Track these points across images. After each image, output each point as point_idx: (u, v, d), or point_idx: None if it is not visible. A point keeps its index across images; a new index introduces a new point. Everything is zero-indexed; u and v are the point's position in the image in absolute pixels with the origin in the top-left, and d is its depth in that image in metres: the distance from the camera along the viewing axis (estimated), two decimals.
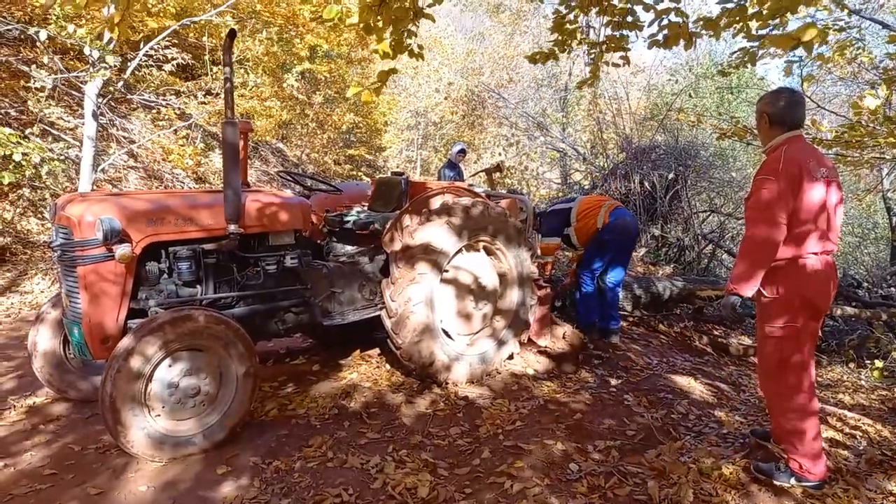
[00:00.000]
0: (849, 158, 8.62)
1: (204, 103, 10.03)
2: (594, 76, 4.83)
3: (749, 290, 2.83)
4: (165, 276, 3.60)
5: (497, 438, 3.56)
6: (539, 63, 4.55)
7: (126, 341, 3.05)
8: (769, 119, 2.96)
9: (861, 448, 3.70)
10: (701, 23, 3.84)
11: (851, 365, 7.19)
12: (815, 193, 2.81)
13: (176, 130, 9.85)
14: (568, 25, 4.31)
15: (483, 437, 3.58)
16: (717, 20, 3.74)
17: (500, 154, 16.08)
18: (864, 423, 4.33)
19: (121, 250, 3.23)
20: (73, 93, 8.47)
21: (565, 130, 15.66)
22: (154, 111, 9.76)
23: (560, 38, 4.34)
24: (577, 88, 5.39)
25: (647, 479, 3.06)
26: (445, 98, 17.65)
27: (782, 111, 2.94)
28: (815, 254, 2.87)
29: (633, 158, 11.95)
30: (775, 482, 3.00)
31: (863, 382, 6.56)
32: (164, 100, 9.44)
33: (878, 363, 6.80)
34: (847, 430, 4.08)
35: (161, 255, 3.57)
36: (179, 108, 9.86)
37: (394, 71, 3.75)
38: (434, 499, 2.90)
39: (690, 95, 13.72)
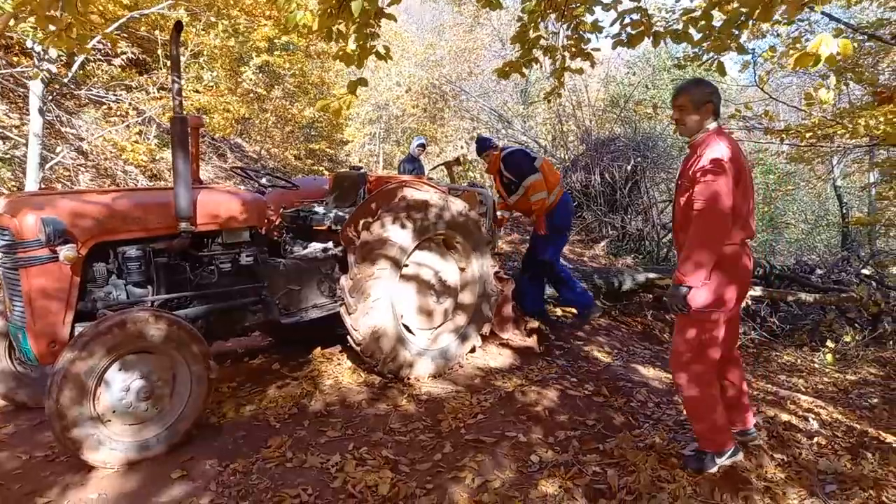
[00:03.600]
0: (806, 153, 8.87)
1: (157, 98, 9.77)
2: (559, 84, 4.84)
3: (699, 280, 2.82)
4: (114, 276, 3.49)
5: (459, 432, 3.55)
6: (508, 77, 4.52)
7: (72, 346, 2.94)
8: (714, 108, 2.96)
9: (813, 430, 3.81)
10: (672, 34, 3.87)
11: (805, 349, 7.39)
12: (748, 182, 2.92)
13: (128, 126, 9.58)
14: (531, 34, 4.29)
15: (445, 432, 3.57)
16: (684, 30, 3.78)
17: (461, 147, 16.07)
18: (816, 406, 4.45)
19: (65, 251, 3.10)
20: (19, 89, 8.17)
21: (526, 123, 15.73)
22: (105, 107, 9.46)
23: (524, 48, 4.31)
24: (545, 100, 5.59)
25: (607, 468, 3.08)
26: (407, 91, 17.56)
27: (719, 101, 2.98)
28: (743, 241, 2.95)
29: (594, 150, 12.08)
30: (706, 472, 3.03)
31: (816, 366, 6.75)
32: (114, 95, 9.16)
33: (830, 344, 7.00)
34: (801, 412, 4.19)
35: (109, 255, 3.45)
36: (131, 104, 9.58)
37: (363, 82, 3.67)
38: (395, 496, 2.88)
39: (647, 87, 13.91)
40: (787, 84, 15.26)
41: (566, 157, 13.15)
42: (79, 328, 3.21)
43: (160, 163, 10.22)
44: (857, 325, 8.12)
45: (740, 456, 3.10)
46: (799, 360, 6.89)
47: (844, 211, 14.10)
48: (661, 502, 2.76)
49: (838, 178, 14.38)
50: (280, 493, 2.87)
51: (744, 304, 7.46)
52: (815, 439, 3.61)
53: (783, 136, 6.33)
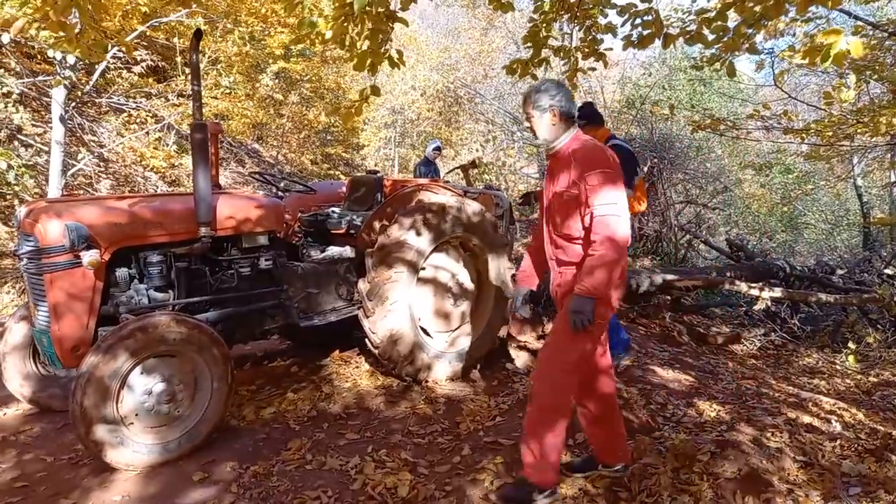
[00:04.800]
0: (826, 152, 8.77)
1: (176, 105, 9.89)
2: (571, 84, 4.83)
3: (607, 292, 2.62)
4: (136, 281, 3.54)
5: (477, 435, 3.56)
6: (518, 75, 4.52)
7: (96, 350, 2.99)
8: (560, 114, 2.74)
9: (836, 432, 3.76)
10: (686, 35, 3.83)
11: (827, 351, 7.29)
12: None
13: (148, 133, 9.70)
14: (542, 34, 4.30)
15: (463, 434, 3.57)
16: (698, 30, 3.74)
17: (477, 150, 16.08)
18: (839, 408, 4.39)
19: (89, 257, 3.16)
20: (42, 98, 8.31)
21: None
22: (125, 114, 9.60)
23: (535, 49, 4.31)
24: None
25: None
26: (422, 95, 17.60)
27: (570, 105, 2.78)
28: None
29: None
30: None
31: (838, 368, 6.66)
32: (134, 102, 9.28)
33: (852, 346, 6.91)
34: (822, 414, 4.14)
35: (131, 261, 3.51)
36: (151, 111, 9.71)
37: (375, 91, 3.68)
38: (414, 498, 2.89)
39: (664, 87, 13.83)
40: (806, 84, 15.08)
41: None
42: (102, 332, 3.27)
43: (179, 168, 10.36)
44: (879, 326, 7.99)
45: (553, 496, 2.81)
46: (820, 362, 6.80)
47: (865, 210, 13.90)
48: None
49: (858, 178, 14.18)
50: (300, 496, 2.89)
51: (763, 306, 7.39)
52: (838, 441, 3.56)
53: (803, 135, 6.25)
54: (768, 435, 3.55)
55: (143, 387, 3.11)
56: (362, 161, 18.99)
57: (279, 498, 2.89)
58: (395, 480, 3.00)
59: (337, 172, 16.70)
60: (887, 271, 9.93)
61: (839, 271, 9.47)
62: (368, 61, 3.58)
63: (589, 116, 4.68)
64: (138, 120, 9.60)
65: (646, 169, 11.37)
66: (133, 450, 3.08)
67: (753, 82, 14.04)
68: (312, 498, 2.87)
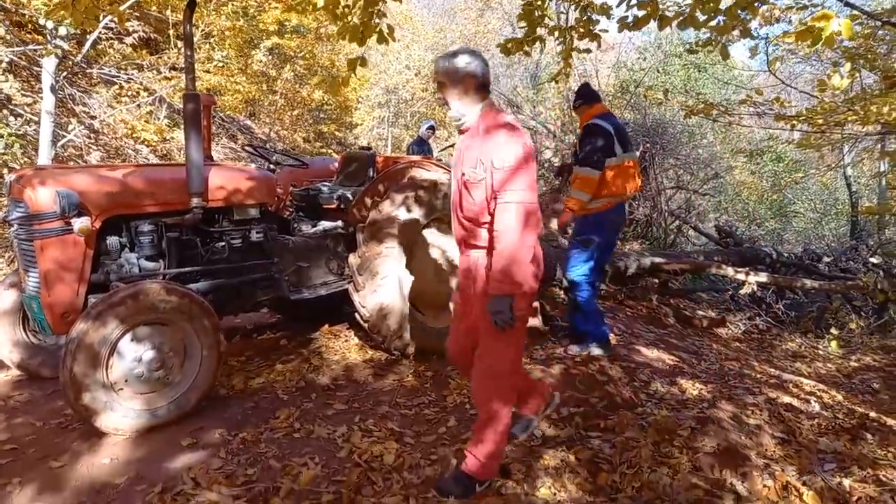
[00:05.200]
0: (813, 140, 8.82)
1: (168, 79, 9.81)
2: (566, 64, 4.84)
3: (525, 286, 2.44)
4: (127, 250, 3.55)
5: (464, 408, 3.61)
6: (512, 53, 4.53)
7: (86, 316, 3.01)
8: (472, 85, 2.49)
9: (814, 412, 3.84)
10: (680, 17, 3.83)
11: (810, 336, 7.41)
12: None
13: (139, 106, 9.63)
14: (537, 13, 4.29)
15: (450, 407, 3.63)
16: (691, 12, 3.75)
17: None
18: (818, 389, 4.48)
19: (79, 224, 3.17)
20: (32, 68, 8.22)
21: (536, 108, 15.67)
22: (116, 87, 9.50)
23: (529, 27, 4.31)
24: (555, 81, 5.27)
25: (609, 443, 3.13)
26: (416, 75, 17.51)
27: (484, 75, 2.52)
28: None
29: None
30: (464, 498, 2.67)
31: (820, 352, 6.78)
32: (126, 74, 9.20)
33: (835, 331, 7.02)
34: (802, 395, 4.23)
35: (122, 230, 3.52)
36: (142, 84, 9.63)
37: (363, 62, 3.68)
38: (400, 465, 2.94)
39: (658, 72, 13.81)
40: (801, 72, 15.10)
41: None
42: (92, 300, 3.29)
43: (170, 143, 10.28)
44: (862, 313, 8.12)
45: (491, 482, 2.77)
46: (803, 347, 6.91)
47: (854, 200, 14.02)
48: (660, 477, 2.81)
49: (848, 167, 14.28)
50: (288, 462, 2.94)
51: (749, 291, 7.48)
52: (816, 420, 3.65)
53: (794, 122, 6.29)
54: (748, 413, 3.63)
55: (133, 354, 3.14)
56: (355, 140, 18.90)
57: (267, 463, 2.94)
58: (381, 449, 3.06)
59: (329, 151, 16.62)
60: (873, 260, 10.06)
61: (825, 259, 9.59)
62: (359, 31, 3.58)
63: (585, 96, 4.73)
64: (129, 93, 9.51)
65: (637, 153, 11.41)
66: (122, 415, 3.10)
67: (748, 69, 14.06)
68: (300, 464, 2.91)
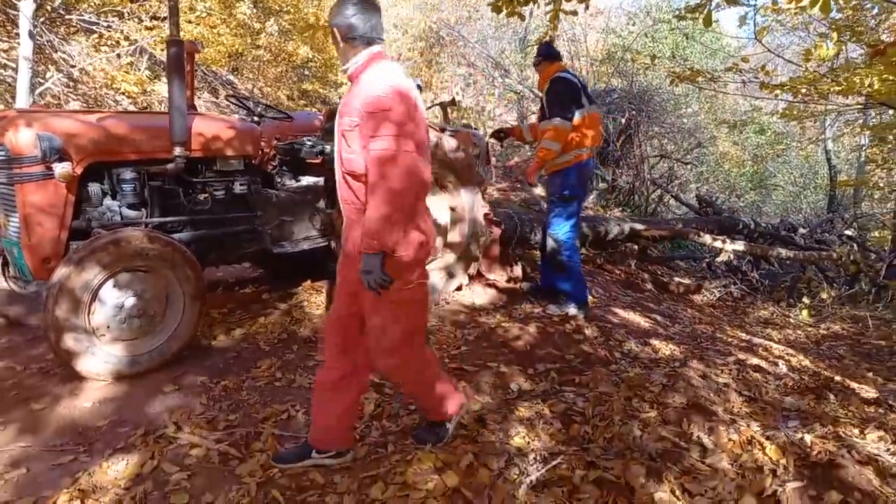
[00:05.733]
0: (796, 111, 8.90)
1: (150, 28, 9.57)
2: (553, 26, 4.82)
3: (395, 242, 2.25)
4: (108, 197, 3.53)
5: (443, 362, 3.68)
6: (502, 12, 4.49)
7: (68, 261, 3.01)
8: (352, 34, 2.38)
9: (781, 373, 3.98)
10: None
11: (783, 304, 7.60)
12: (421, 114, 2.37)
13: (119, 56, 9.41)
14: None
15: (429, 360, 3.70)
16: None
17: (457, 94, 15.90)
18: (787, 354, 4.63)
19: (61, 168, 3.14)
20: (9, 11, 7.98)
21: (524, 72, 15.55)
22: (95, 35, 9.26)
23: None
24: (537, 43, 5.21)
25: (582, 397, 3.23)
26: (403, 34, 17.24)
27: (367, 24, 2.41)
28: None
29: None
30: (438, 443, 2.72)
31: (791, 320, 6.96)
32: (106, 21, 8.96)
33: (807, 300, 7.20)
34: (771, 358, 4.36)
35: (104, 176, 3.49)
36: (123, 33, 9.39)
37: None
38: (380, 414, 3.02)
39: (647, 37, 13.75)
40: (788, 43, 15.13)
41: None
42: (74, 246, 3.28)
43: (151, 95, 10.09)
44: (835, 283, 8.32)
45: (466, 408, 2.85)
46: (775, 315, 7.09)
47: (833, 174, 14.22)
48: (631, 429, 2.91)
49: (829, 141, 14.44)
50: (269, 408, 3.00)
51: (726, 258, 7.62)
52: (782, 381, 3.78)
53: (778, 90, 6.34)
54: (717, 372, 3.74)
55: (114, 300, 3.15)
56: (339, 99, 18.66)
57: (248, 410, 3.00)
58: (361, 398, 3.12)
59: (313, 109, 16.41)
60: (847, 232, 10.27)
61: (801, 230, 9.78)
62: None
63: (546, 54, 4.73)
64: (110, 42, 9.28)
65: (623, 120, 11.43)
66: (103, 360, 3.13)
67: (737, 38, 14.05)
68: (281, 411, 2.98)
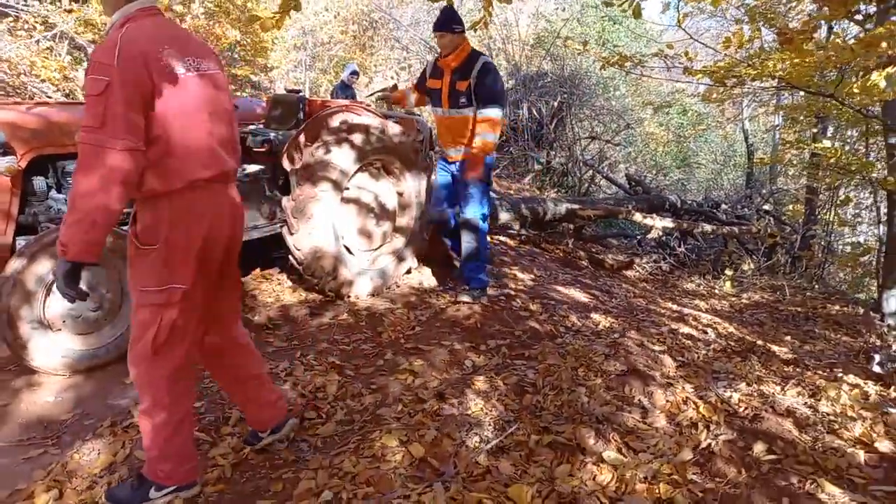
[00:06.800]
0: (716, 94, 9.41)
1: (70, 10, 9.16)
2: (487, 13, 4.94)
3: (87, 252, 1.88)
4: (54, 191, 3.48)
5: (398, 342, 3.83)
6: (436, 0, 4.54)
7: (20, 255, 2.98)
8: None
9: (710, 340, 4.33)
10: None
11: (708, 277, 8.10)
12: (185, 93, 2.02)
13: (39, 42, 8.98)
14: None
15: (385, 342, 3.84)
16: None
17: (392, 78, 15.89)
18: (714, 322, 5.00)
19: (5, 163, 3.10)
20: None
21: None
22: (11, 19, 8.79)
23: None
24: (471, 29, 5.01)
25: (532, 369, 3.45)
26: (335, 17, 17.04)
27: None
28: (205, 180, 2.11)
29: (522, 85, 12.29)
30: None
31: (716, 291, 7.44)
32: (24, 4, 8.52)
33: (729, 272, 7.71)
34: (700, 327, 4.71)
35: (48, 170, 3.44)
36: (40, 16, 8.95)
37: (297, 6, 3.62)
38: (343, 395, 3.14)
39: (576, 22, 14.11)
40: (707, 28, 15.83)
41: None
42: (21, 242, 3.23)
43: (73, 81, 9.68)
44: (754, 256, 8.92)
45: (195, 490, 2.34)
46: (702, 287, 7.57)
47: (750, 152, 15.05)
48: (578, 396, 3.14)
49: (746, 121, 15.26)
50: None
51: (655, 235, 8.05)
52: (711, 347, 4.13)
53: (699, 75, 6.72)
54: (653, 341, 4.05)
55: None
56: (270, 84, 18.28)
57: (213, 397, 3.06)
58: (324, 381, 3.23)
59: (244, 94, 16.04)
60: (765, 207, 10.96)
61: (723, 206, 10.37)
62: None
63: (460, 24, 4.35)
64: (26, 26, 8.83)
65: (555, 103, 11.75)
66: (61, 355, 3.13)
67: (661, 24, 14.60)
68: None
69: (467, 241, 4.53)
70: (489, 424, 2.88)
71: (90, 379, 3.15)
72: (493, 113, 4.27)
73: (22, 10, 8.42)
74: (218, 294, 2.31)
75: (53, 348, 3.10)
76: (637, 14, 4.34)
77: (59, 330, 3.15)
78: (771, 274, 8.45)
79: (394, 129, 4.56)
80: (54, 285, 3.00)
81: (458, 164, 4.52)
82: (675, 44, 8.53)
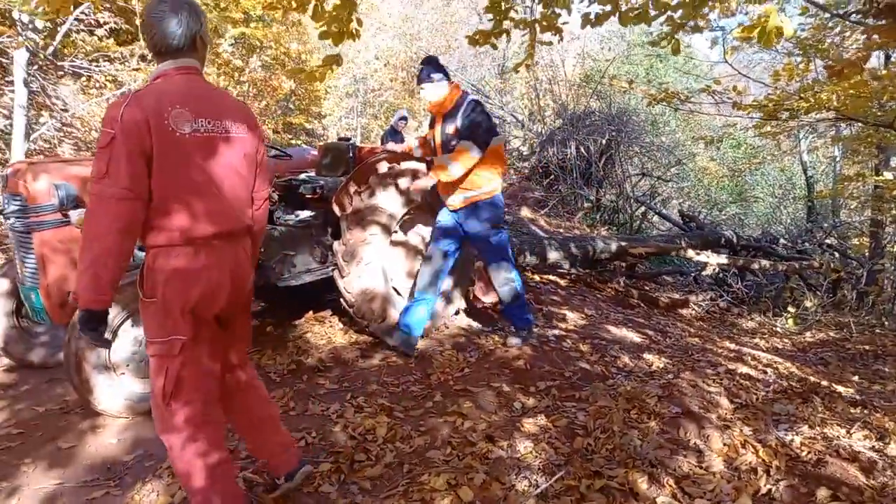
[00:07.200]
0: (770, 128, 9.26)
1: (137, 69, 9.77)
2: (530, 56, 5.06)
3: (95, 301, 1.95)
4: None
5: (447, 384, 3.84)
6: (479, 45, 4.69)
7: None
8: (156, 40, 2.07)
9: (770, 381, 4.17)
10: (632, 14, 4.04)
11: (768, 314, 7.84)
12: (186, 153, 2.04)
13: (108, 99, 9.57)
14: (503, 5, 4.48)
15: (434, 384, 3.86)
16: (645, 9, 3.96)
17: None
18: (775, 362, 4.83)
19: (77, 215, 3.30)
20: (0, 59, 8.14)
21: (504, 97, 15.91)
22: (84, 78, 9.44)
23: (496, 19, 4.49)
24: (514, 71, 5.09)
25: (583, 411, 3.40)
26: (385, 65, 17.60)
27: (151, 33, 2.07)
28: (204, 238, 2.10)
29: (570, 124, 12.35)
30: None
31: (778, 329, 7.19)
32: (95, 66, 9.14)
33: (792, 309, 7.44)
34: (759, 367, 4.55)
35: None
36: (111, 75, 9.57)
37: (339, 61, 3.79)
38: (392, 437, 3.16)
39: (623, 62, 14.17)
40: (758, 62, 15.62)
41: (543, 131, 13.40)
42: None
43: None
44: (817, 291, 8.59)
45: None
46: (762, 325, 7.32)
47: (810, 185, 14.61)
48: (631, 439, 3.07)
49: (804, 153, 14.86)
50: None
51: (711, 272, 7.86)
52: (771, 388, 3.98)
53: (749, 109, 6.64)
54: (709, 382, 3.93)
55: (132, 338, 3.29)
56: (324, 130, 18.93)
57: None
58: (373, 423, 3.26)
59: (299, 141, 16.63)
60: (827, 241, 10.57)
61: (782, 241, 10.07)
62: (341, 35, 3.75)
63: (445, 73, 4.36)
64: (97, 84, 9.45)
65: (604, 141, 11.72)
66: (124, 398, 3.26)
67: (708, 59, 14.51)
68: (298, 438, 3.10)
69: (501, 287, 4.43)
70: (539, 468, 2.85)
71: (150, 421, 3.25)
72: (470, 146, 4.10)
73: (94, 70, 9.01)
74: (226, 343, 2.37)
75: (117, 391, 3.24)
76: (675, 51, 4.36)
77: (123, 374, 3.29)
78: (836, 311, 8.12)
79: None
80: (118, 330, 3.18)
81: (460, 212, 4.34)
82: (725, 78, 8.48)
